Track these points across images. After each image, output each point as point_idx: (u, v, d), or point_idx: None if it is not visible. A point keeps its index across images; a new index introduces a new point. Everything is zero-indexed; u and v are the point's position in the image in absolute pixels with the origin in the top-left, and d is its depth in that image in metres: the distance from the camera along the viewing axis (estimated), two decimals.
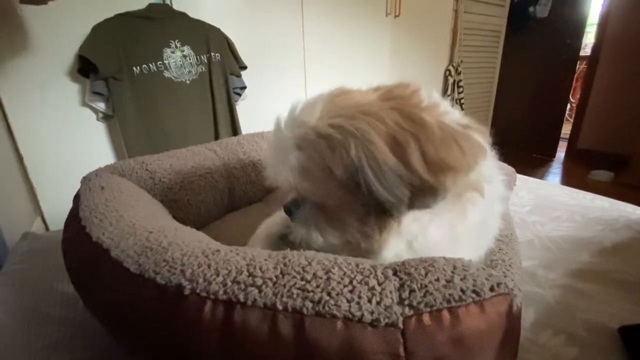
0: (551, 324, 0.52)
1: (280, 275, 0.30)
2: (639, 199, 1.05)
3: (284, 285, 0.29)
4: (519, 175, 1.02)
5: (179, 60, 1.33)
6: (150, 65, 1.27)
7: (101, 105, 1.25)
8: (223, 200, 0.80)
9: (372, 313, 0.26)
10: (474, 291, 0.27)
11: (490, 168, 0.42)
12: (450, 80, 2.50)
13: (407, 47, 2.20)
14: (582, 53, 3.06)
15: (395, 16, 2.03)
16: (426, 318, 0.26)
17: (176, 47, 1.31)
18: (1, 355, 0.48)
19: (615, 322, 0.51)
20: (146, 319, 0.32)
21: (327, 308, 0.27)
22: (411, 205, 0.35)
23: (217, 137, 1.47)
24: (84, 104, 1.25)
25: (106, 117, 1.30)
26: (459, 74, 2.53)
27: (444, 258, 0.31)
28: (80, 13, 1.16)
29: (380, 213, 0.36)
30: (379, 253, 0.38)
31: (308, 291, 0.28)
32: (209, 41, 1.38)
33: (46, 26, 1.13)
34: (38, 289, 0.62)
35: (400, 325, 0.26)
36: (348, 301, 0.27)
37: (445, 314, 0.26)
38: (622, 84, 2.60)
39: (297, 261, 0.32)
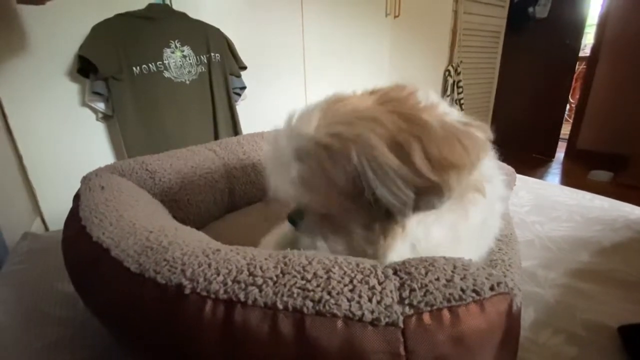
0: (551, 324, 0.53)
1: (281, 275, 0.30)
2: (638, 199, 1.05)
3: (285, 285, 0.29)
4: (518, 175, 1.02)
5: (178, 61, 1.33)
6: (150, 65, 1.27)
7: (101, 106, 1.25)
8: (223, 200, 0.80)
9: (372, 312, 0.26)
10: (474, 290, 0.27)
11: (491, 168, 0.42)
12: (450, 80, 2.50)
13: (407, 47, 2.20)
14: (581, 53, 3.07)
15: (395, 16, 2.03)
16: (426, 317, 0.26)
17: (176, 47, 1.31)
18: (1, 355, 0.48)
19: (615, 321, 0.51)
20: (146, 319, 0.32)
21: (327, 307, 0.27)
22: (416, 208, 0.34)
23: (217, 137, 1.46)
24: (84, 104, 1.25)
25: (106, 117, 1.30)
26: (458, 74, 2.53)
27: (444, 257, 0.31)
28: (80, 13, 1.16)
29: (384, 219, 0.36)
30: (384, 258, 0.38)
31: (308, 290, 0.28)
32: (209, 41, 1.38)
33: (45, 26, 1.13)
34: (38, 289, 0.62)
35: (401, 325, 0.26)
36: (348, 300, 0.27)
37: (446, 313, 0.26)
38: (621, 85, 2.61)
39: (298, 260, 0.32)
